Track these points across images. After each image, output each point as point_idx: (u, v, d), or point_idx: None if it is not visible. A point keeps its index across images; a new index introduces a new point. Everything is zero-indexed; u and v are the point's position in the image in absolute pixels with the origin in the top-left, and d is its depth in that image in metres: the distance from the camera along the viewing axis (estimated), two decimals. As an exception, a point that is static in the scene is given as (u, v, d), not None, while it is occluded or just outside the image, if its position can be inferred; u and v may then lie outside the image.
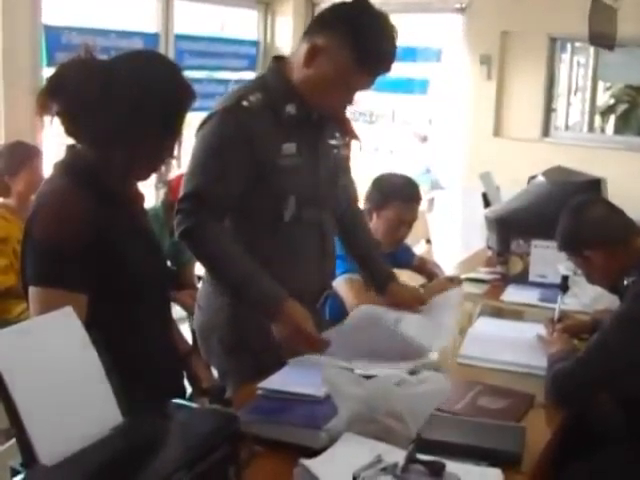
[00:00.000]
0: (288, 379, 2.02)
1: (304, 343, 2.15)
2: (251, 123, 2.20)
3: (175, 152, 1.91)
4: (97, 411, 1.41)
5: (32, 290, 1.79)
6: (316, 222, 2.37)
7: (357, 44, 2.16)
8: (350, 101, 2.31)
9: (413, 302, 2.54)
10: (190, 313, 3.43)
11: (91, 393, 1.42)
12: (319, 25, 2.25)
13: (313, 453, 1.71)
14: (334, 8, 2.27)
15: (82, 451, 1.33)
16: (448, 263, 4.23)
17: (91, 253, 1.77)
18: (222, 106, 2.24)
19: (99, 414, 1.41)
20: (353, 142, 2.55)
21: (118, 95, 1.80)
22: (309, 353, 2.14)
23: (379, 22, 2.21)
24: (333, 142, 2.41)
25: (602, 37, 4.89)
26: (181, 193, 2.22)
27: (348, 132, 2.49)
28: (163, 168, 1.95)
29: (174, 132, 1.89)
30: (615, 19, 4.93)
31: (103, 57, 1.87)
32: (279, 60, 2.36)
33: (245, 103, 2.21)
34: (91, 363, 1.44)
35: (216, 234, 2.19)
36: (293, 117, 2.27)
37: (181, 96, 1.88)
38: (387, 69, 2.24)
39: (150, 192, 5.20)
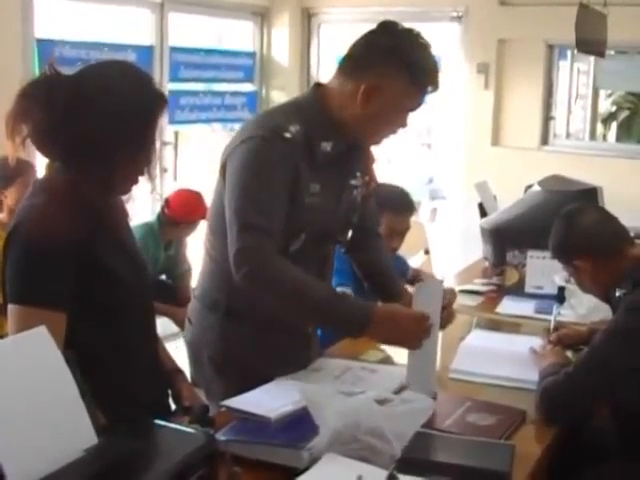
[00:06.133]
0: (254, 398, 1.98)
1: (408, 329, 2.10)
2: (292, 156, 2.14)
3: (153, 163, 1.88)
4: (70, 432, 1.38)
5: (10, 308, 1.76)
6: (319, 254, 2.36)
7: (410, 68, 2.14)
8: (405, 124, 2.29)
9: None
10: (182, 328, 3.40)
11: (64, 414, 1.38)
12: (363, 64, 2.19)
13: (295, 474, 1.68)
14: (371, 43, 2.21)
15: (54, 473, 1.29)
16: (447, 274, 4.19)
17: (72, 269, 1.74)
18: (261, 133, 2.15)
19: (72, 435, 1.38)
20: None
21: (85, 109, 1.77)
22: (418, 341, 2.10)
23: (418, 39, 2.19)
24: (354, 182, 2.37)
25: (590, 44, 4.78)
26: (235, 225, 2.09)
27: (369, 172, 2.48)
28: (148, 179, 1.92)
29: (148, 142, 1.85)
30: (605, 25, 4.82)
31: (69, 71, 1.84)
32: (319, 87, 2.29)
33: (287, 135, 2.14)
34: (64, 383, 1.41)
35: (284, 268, 2.10)
36: (326, 155, 2.22)
37: (151, 104, 1.84)
38: (438, 82, 2.22)
39: (144, 206, 5.20)
